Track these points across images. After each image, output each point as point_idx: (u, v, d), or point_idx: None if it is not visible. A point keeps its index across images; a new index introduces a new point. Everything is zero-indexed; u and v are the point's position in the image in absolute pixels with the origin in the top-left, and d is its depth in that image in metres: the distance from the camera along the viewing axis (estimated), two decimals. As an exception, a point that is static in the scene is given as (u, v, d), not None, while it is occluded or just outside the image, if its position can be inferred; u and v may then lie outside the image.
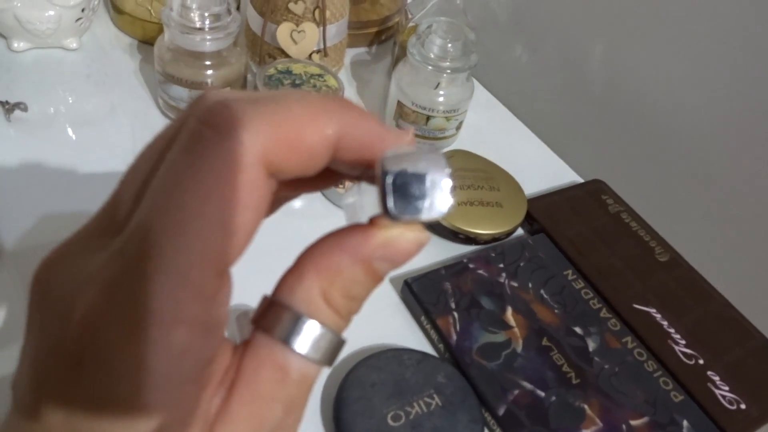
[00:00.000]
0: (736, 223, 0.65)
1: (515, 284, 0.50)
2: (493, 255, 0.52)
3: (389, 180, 0.19)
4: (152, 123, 0.61)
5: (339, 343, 0.21)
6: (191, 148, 0.18)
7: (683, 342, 0.50)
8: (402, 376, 0.43)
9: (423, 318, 0.47)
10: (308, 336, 0.20)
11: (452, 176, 0.19)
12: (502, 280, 0.50)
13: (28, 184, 0.53)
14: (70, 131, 0.59)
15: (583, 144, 0.78)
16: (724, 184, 0.65)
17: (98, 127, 0.59)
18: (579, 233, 0.56)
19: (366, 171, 0.22)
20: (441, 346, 0.46)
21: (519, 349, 0.46)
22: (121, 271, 0.18)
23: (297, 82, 0.58)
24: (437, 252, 0.54)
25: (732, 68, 0.61)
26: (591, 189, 0.62)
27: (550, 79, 0.81)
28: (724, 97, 0.63)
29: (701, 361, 0.49)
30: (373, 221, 0.21)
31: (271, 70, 0.58)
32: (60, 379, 0.18)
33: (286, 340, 0.19)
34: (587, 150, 0.77)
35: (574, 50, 0.76)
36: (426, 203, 0.19)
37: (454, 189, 0.19)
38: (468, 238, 0.54)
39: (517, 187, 0.59)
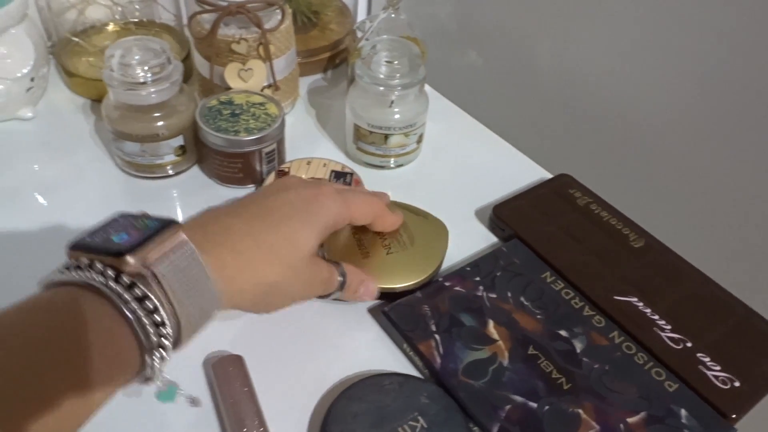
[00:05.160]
0: (705, 197, 0.62)
1: (494, 296, 0.47)
2: (468, 269, 0.48)
3: None
4: (114, 181, 0.57)
5: None
6: None
7: (668, 327, 0.46)
8: (384, 403, 0.39)
9: (405, 345, 0.44)
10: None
11: None
12: (479, 293, 0.47)
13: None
14: (35, 201, 0.55)
15: (546, 139, 0.75)
16: (686, 160, 0.62)
17: (63, 194, 0.55)
18: (551, 233, 0.53)
19: None
20: (426, 371, 0.42)
21: (505, 362, 0.42)
22: None
23: (237, 111, 0.54)
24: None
25: (678, 50, 0.58)
26: (557, 185, 0.58)
27: (506, 79, 0.78)
28: (672, 80, 0.59)
29: (689, 344, 0.45)
30: None
31: (213, 102, 0.55)
32: None
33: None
34: (551, 145, 0.74)
35: (524, 49, 0.73)
36: None
37: None
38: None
39: (436, 234, 0.51)
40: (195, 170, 0.58)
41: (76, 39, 0.66)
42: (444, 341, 0.43)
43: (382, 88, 0.55)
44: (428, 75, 0.58)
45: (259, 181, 0.56)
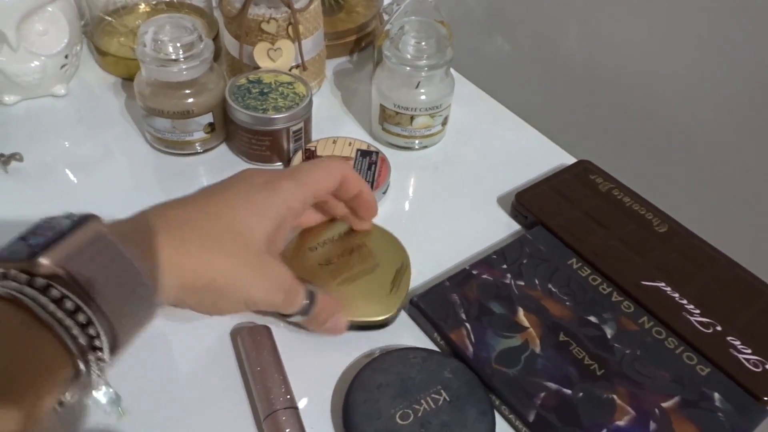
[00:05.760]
0: (726, 182, 0.60)
1: (522, 283, 0.45)
2: (495, 257, 0.47)
3: None
4: (143, 158, 0.56)
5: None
6: None
7: (697, 312, 0.45)
8: (408, 375, 0.39)
9: (435, 335, 0.43)
10: None
11: None
12: (507, 281, 0.45)
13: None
14: (67, 177, 0.55)
15: (568, 124, 0.73)
16: (708, 145, 0.60)
17: (95, 170, 0.55)
18: (574, 219, 0.51)
19: None
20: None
21: (537, 349, 0.41)
22: None
23: (265, 90, 0.53)
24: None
25: (704, 36, 0.56)
26: (578, 171, 0.56)
27: (533, 64, 0.76)
28: (695, 66, 0.58)
29: (719, 328, 0.44)
30: None
31: (242, 80, 0.54)
32: None
33: None
34: (575, 130, 0.72)
35: (552, 34, 0.71)
36: None
37: None
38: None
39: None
40: (223, 148, 0.58)
41: (109, 18, 0.65)
42: (475, 329, 0.42)
43: (408, 69, 0.54)
44: (454, 60, 0.57)
45: (286, 159, 0.55)
